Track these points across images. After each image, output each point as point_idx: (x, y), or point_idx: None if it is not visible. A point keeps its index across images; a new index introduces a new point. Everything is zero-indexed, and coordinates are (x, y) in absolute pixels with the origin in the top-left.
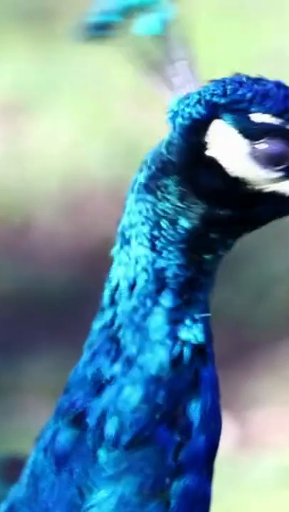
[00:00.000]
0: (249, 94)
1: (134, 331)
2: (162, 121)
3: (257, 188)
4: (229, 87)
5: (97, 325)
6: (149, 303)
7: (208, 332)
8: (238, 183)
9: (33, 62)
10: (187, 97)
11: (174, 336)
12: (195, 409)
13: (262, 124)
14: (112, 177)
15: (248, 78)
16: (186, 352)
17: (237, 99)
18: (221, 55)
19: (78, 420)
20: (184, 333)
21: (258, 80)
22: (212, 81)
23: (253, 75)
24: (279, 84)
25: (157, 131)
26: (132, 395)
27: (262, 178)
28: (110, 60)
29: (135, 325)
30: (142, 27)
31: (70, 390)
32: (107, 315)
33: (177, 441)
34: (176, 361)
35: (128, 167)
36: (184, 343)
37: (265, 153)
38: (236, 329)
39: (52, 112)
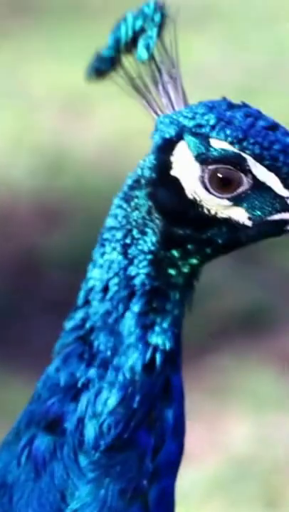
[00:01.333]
0: (213, 120)
1: (108, 334)
2: (87, 133)
3: (212, 212)
4: (200, 110)
5: (69, 324)
6: (121, 307)
7: (177, 344)
8: (194, 205)
9: None
10: (167, 117)
11: (145, 341)
12: (168, 415)
13: (218, 150)
14: (36, 188)
15: (229, 104)
16: (158, 358)
17: (201, 124)
18: None
19: (55, 425)
20: (153, 338)
21: (235, 107)
22: (198, 103)
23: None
24: (251, 113)
25: (82, 143)
26: (109, 398)
27: (213, 203)
28: (36, 71)
29: (109, 328)
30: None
31: (42, 396)
32: (79, 315)
33: (154, 445)
34: (148, 366)
35: (52, 178)
36: (155, 348)
37: (212, 179)
38: None
39: None
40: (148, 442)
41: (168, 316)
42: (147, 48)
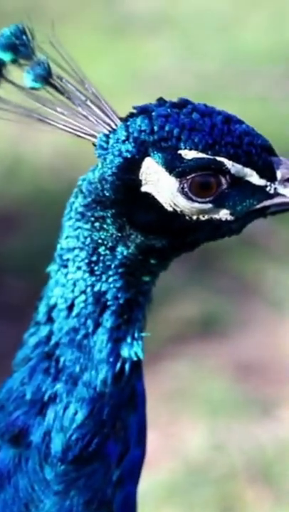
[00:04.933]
0: (176, 130)
1: (76, 351)
2: (42, 139)
3: (193, 218)
4: (156, 122)
5: (32, 339)
6: (90, 323)
7: (143, 351)
8: (175, 215)
9: None
10: (115, 133)
11: (116, 354)
12: (133, 422)
13: (191, 160)
14: None
15: (173, 106)
16: (127, 368)
17: (165, 137)
18: (105, 76)
19: (20, 438)
20: (125, 351)
21: (182, 107)
22: (138, 113)
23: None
24: (204, 112)
25: (37, 149)
26: (77, 412)
27: (195, 209)
28: None
29: (76, 344)
30: (26, 82)
31: (6, 408)
32: (43, 331)
33: (119, 453)
34: (117, 377)
35: (7, 184)
36: (125, 360)
37: (192, 187)
38: None
39: None
40: (114, 451)
41: (139, 324)
42: (36, 77)
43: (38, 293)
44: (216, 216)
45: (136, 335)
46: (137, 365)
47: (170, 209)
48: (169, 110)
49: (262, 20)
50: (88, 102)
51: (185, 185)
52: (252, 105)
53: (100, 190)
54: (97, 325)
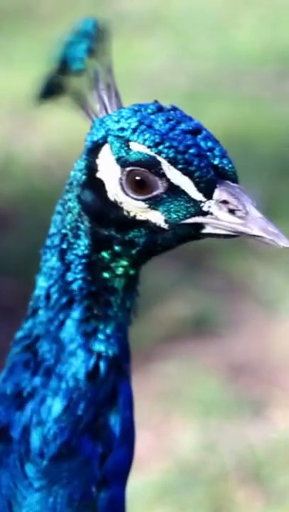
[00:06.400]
0: (135, 124)
1: (51, 342)
2: (35, 138)
3: (131, 214)
4: (125, 114)
5: (18, 335)
6: (61, 314)
7: (124, 350)
8: (116, 207)
9: None
10: (98, 120)
11: (87, 349)
12: (115, 422)
13: (136, 153)
14: None
15: (158, 108)
16: (102, 365)
17: (123, 127)
18: None
19: (2, 434)
20: (96, 346)
21: (163, 110)
22: (128, 107)
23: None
24: (175, 117)
25: (29, 148)
26: (53, 405)
27: (131, 205)
28: None
29: (51, 336)
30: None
31: None
32: (27, 324)
33: (101, 453)
34: (92, 373)
35: (0, 185)
36: (99, 355)
37: (129, 181)
38: None
39: None
40: (94, 450)
41: (111, 322)
42: (82, 59)
43: (29, 293)
44: (151, 219)
45: (108, 332)
46: (115, 365)
47: (112, 199)
48: (144, 107)
49: (255, 20)
50: (104, 91)
51: (123, 177)
52: (244, 105)
53: (74, 172)
54: (67, 316)
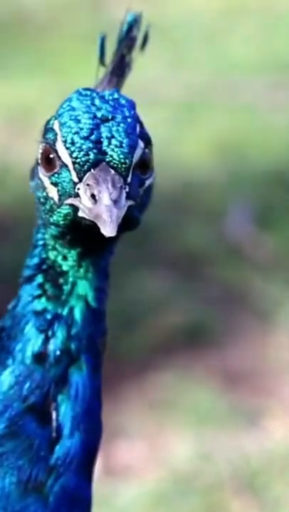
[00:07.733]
0: (65, 106)
1: (10, 317)
2: (31, 148)
3: (47, 193)
4: (74, 96)
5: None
6: (21, 289)
7: (82, 340)
8: (41, 182)
9: None
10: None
11: (36, 327)
12: (66, 409)
13: (48, 129)
14: None
15: (91, 93)
16: (51, 348)
17: (59, 107)
18: (91, 84)
19: None
20: (45, 327)
21: (99, 96)
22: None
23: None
24: (93, 104)
25: (26, 158)
26: (4, 381)
27: (45, 183)
28: None
29: (12, 313)
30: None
31: None
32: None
33: (49, 437)
34: (39, 354)
35: None
36: (47, 337)
37: (41, 157)
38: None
39: None
40: (40, 433)
41: (64, 306)
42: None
43: None
44: (53, 196)
45: (63, 316)
46: (69, 355)
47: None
48: (95, 94)
49: (250, 30)
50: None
51: (39, 151)
52: (240, 115)
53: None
54: (23, 290)
